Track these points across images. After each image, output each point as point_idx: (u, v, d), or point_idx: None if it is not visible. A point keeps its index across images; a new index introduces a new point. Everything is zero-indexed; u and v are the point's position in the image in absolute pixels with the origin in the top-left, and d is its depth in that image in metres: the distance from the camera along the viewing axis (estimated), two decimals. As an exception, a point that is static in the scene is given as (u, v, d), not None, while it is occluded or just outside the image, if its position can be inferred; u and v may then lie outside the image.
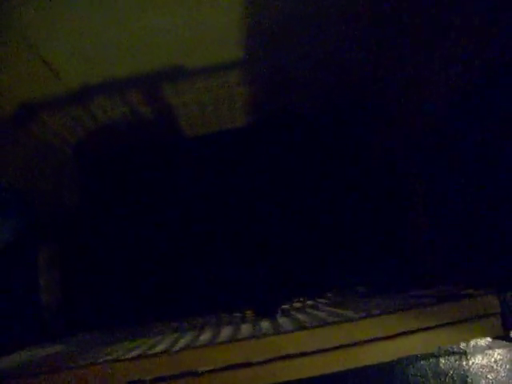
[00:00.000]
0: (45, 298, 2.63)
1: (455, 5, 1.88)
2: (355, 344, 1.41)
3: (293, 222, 3.31)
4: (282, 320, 1.92)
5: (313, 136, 3.51)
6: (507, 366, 2.70)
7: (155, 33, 2.16)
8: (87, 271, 3.06)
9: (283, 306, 2.38)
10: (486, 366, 2.69)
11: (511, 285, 1.42)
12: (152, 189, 3.42)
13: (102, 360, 1.52)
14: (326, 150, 3.52)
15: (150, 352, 1.53)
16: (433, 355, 2.56)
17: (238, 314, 2.39)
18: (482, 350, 2.67)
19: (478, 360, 2.70)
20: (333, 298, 2.40)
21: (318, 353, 1.41)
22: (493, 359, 2.72)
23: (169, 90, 2.62)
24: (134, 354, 1.57)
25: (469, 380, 2.65)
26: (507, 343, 2.48)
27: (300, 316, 1.91)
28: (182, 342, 1.68)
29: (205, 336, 1.77)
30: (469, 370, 2.68)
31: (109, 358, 1.57)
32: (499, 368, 2.69)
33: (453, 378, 2.64)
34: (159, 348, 1.64)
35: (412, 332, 1.40)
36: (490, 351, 2.67)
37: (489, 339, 2.58)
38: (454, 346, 2.55)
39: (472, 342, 2.53)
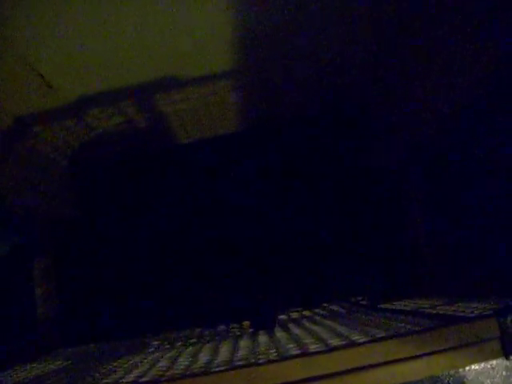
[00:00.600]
0: (40, 310, 2.61)
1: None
2: (356, 370, 1.40)
3: (289, 226, 3.29)
4: (279, 335, 1.91)
5: (309, 139, 3.48)
6: (503, 373, 2.72)
7: (148, 45, 2.13)
8: (83, 283, 3.03)
9: (280, 317, 2.37)
10: (483, 373, 2.71)
11: (510, 308, 1.41)
12: (147, 198, 3.38)
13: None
14: (322, 153, 3.49)
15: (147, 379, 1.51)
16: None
17: (235, 326, 2.38)
18: (478, 357, 2.67)
19: (474, 366, 2.71)
20: (329, 310, 2.40)
21: (319, 379, 1.40)
22: (489, 365, 2.74)
23: (162, 98, 2.59)
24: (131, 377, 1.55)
25: (465, 387, 2.67)
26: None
27: (298, 332, 1.90)
28: (181, 365, 1.67)
29: (203, 355, 1.76)
30: (465, 376, 2.70)
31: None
32: (496, 374, 2.71)
33: (449, 385, 2.65)
34: (157, 369, 1.64)
35: (411, 358, 1.40)
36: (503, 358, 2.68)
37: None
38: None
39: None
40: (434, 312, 1.86)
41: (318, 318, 2.19)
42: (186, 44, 2.19)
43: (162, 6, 1.91)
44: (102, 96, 2.44)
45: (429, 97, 2.28)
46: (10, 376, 2.09)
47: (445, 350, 1.40)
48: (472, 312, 1.57)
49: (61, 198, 2.98)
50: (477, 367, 2.72)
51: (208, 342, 2.11)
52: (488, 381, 2.66)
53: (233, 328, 2.34)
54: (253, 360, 1.48)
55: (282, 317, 2.35)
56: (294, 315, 2.37)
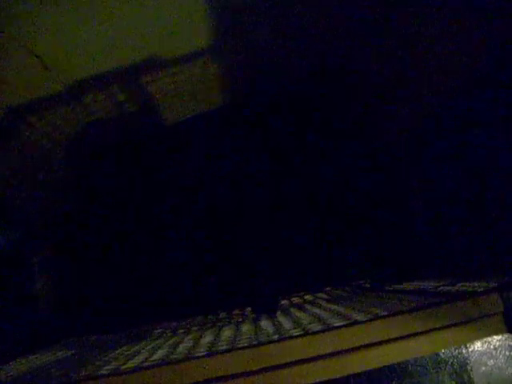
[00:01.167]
0: (40, 303, 2.60)
1: None
2: (360, 348, 1.39)
3: (286, 213, 3.27)
4: (282, 319, 1.90)
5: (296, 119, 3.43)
6: (506, 353, 2.72)
7: (131, 27, 2.14)
8: (82, 274, 3.02)
9: (282, 302, 2.36)
10: (486, 353, 2.71)
11: (514, 283, 1.40)
12: (145, 185, 3.36)
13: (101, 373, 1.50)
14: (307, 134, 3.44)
15: (149, 363, 1.50)
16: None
17: (237, 312, 2.37)
18: (481, 338, 2.68)
19: (477, 347, 2.71)
20: (332, 293, 2.39)
21: (323, 357, 1.40)
22: (492, 346, 2.74)
23: (147, 78, 2.59)
24: (132, 363, 1.55)
25: (469, 368, 2.67)
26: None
27: (300, 315, 1.89)
28: (182, 349, 1.66)
29: (205, 340, 1.75)
30: (468, 357, 2.70)
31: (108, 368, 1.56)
32: (499, 354, 2.71)
33: (453, 367, 2.65)
34: (158, 355, 1.63)
35: (416, 334, 1.39)
36: (490, 338, 2.68)
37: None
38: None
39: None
40: (438, 291, 1.85)
41: (320, 301, 2.18)
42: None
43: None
44: (96, 80, 2.43)
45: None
46: (14, 367, 2.10)
47: (448, 327, 1.39)
48: (475, 289, 1.56)
49: (58, 189, 2.96)
50: (480, 348, 2.72)
51: (211, 327, 2.11)
52: (491, 361, 2.66)
53: (236, 314, 2.34)
54: (255, 342, 1.47)
55: (284, 302, 2.35)
56: (296, 300, 2.36)
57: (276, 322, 1.82)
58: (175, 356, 1.56)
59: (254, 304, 2.34)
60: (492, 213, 2.17)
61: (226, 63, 2.72)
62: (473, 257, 2.33)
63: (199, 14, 2.25)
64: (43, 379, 1.65)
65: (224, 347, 1.51)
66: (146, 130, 3.19)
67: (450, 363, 2.66)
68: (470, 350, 2.72)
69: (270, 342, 1.40)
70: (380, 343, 1.39)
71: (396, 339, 1.39)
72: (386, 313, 1.47)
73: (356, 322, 1.43)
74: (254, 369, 1.37)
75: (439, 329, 1.39)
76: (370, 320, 1.43)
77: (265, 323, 1.85)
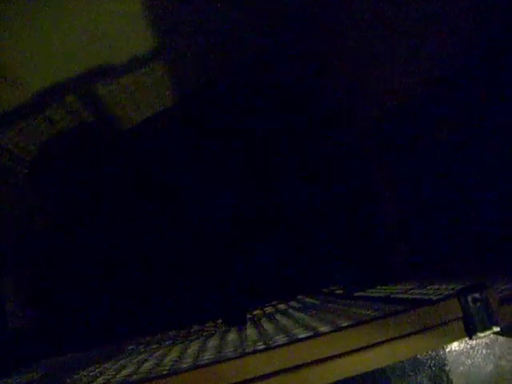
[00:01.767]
0: (12, 323, 2.54)
1: None
2: (321, 360, 1.37)
3: (253, 222, 3.24)
4: (250, 331, 1.88)
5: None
6: (483, 351, 2.72)
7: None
8: (55, 292, 2.96)
9: (254, 312, 2.34)
10: (463, 353, 2.71)
11: (471, 288, 1.39)
12: (117, 194, 3.31)
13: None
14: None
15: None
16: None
17: (208, 325, 2.35)
18: (458, 338, 2.68)
19: (454, 347, 2.72)
20: (304, 301, 2.37)
21: (284, 371, 1.37)
22: (469, 345, 2.74)
23: (101, 87, 2.56)
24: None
25: (447, 368, 2.67)
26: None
27: (268, 326, 1.87)
28: (146, 367, 1.63)
29: (170, 357, 1.72)
30: (446, 358, 2.70)
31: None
32: (476, 353, 2.71)
33: (431, 368, 2.65)
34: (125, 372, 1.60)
35: (377, 344, 1.37)
36: (467, 338, 2.68)
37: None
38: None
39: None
40: (405, 297, 1.84)
41: (290, 311, 2.16)
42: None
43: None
44: (56, 89, 2.39)
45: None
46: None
47: (408, 335, 1.37)
48: (442, 291, 1.56)
49: (28, 208, 2.90)
50: (457, 348, 2.72)
51: (181, 342, 2.08)
52: (469, 361, 2.66)
53: (207, 327, 2.31)
54: (216, 359, 1.44)
55: (256, 312, 2.32)
56: (268, 310, 2.34)
57: (243, 336, 1.80)
58: (140, 375, 1.53)
59: (225, 316, 2.32)
60: (460, 211, 2.18)
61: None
62: (444, 257, 2.33)
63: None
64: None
65: (185, 365, 1.48)
66: (104, 137, 3.13)
67: (427, 365, 2.65)
68: (448, 350, 2.72)
69: (229, 359, 1.38)
70: (340, 355, 1.37)
71: (357, 350, 1.38)
72: (347, 323, 1.46)
73: (317, 334, 1.42)
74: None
75: (400, 337, 1.38)
76: (332, 331, 1.41)
77: (232, 337, 1.83)
